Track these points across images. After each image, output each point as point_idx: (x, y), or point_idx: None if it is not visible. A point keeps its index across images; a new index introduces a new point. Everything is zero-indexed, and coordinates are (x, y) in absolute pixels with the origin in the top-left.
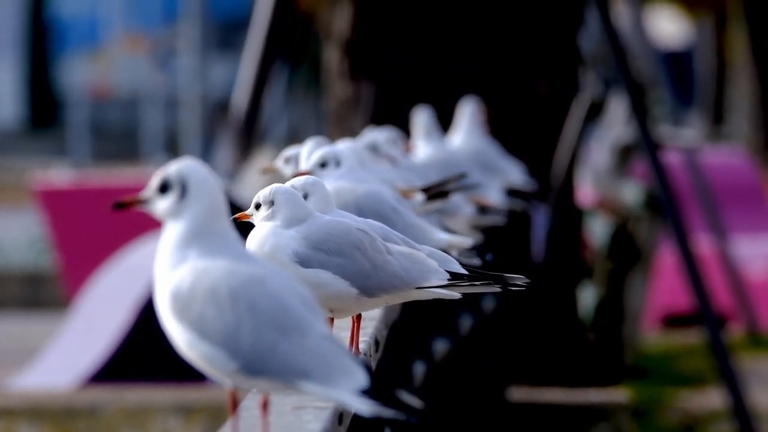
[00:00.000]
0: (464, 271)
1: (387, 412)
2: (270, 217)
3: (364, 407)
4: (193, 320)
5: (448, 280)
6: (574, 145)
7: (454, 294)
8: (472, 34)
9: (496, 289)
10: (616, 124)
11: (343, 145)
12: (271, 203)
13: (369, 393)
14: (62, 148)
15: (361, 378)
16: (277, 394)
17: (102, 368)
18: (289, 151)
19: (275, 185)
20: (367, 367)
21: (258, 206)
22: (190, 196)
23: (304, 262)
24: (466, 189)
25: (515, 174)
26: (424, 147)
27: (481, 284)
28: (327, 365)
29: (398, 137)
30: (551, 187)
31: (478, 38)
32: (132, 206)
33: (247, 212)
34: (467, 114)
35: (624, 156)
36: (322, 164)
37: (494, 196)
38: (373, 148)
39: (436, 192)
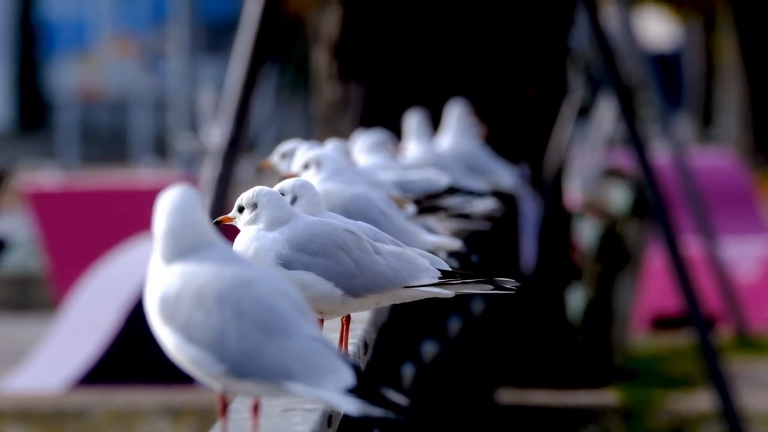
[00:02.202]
0: (455, 270)
1: (374, 411)
2: (253, 220)
3: (351, 406)
4: (180, 324)
5: (440, 278)
6: (564, 147)
7: (446, 292)
8: (462, 36)
9: (488, 287)
10: (605, 126)
11: (330, 147)
12: (254, 206)
13: (356, 392)
14: (51, 150)
15: (348, 377)
16: (266, 396)
17: (91, 370)
18: (286, 147)
19: (258, 187)
20: (355, 367)
21: (241, 209)
22: None
23: (287, 264)
24: (459, 204)
25: (505, 177)
26: (414, 149)
27: (473, 282)
28: (313, 366)
29: (387, 140)
30: (541, 189)
31: (467, 41)
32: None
33: (230, 215)
34: (455, 116)
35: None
36: (306, 166)
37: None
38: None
39: (428, 206)
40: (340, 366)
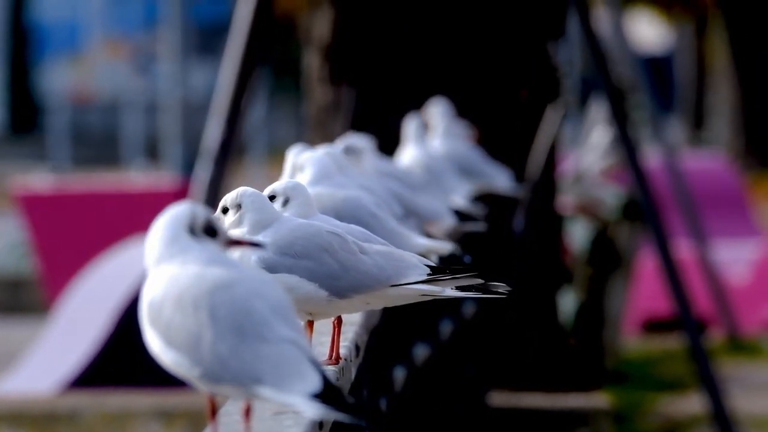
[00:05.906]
0: (445, 266)
1: (336, 416)
2: (237, 222)
3: (314, 411)
4: (162, 328)
5: (429, 274)
6: (550, 149)
7: (435, 289)
8: (454, 38)
9: (479, 281)
10: (597, 129)
11: (320, 151)
12: (238, 207)
13: (321, 397)
14: (42, 153)
15: (315, 382)
16: (242, 399)
17: (83, 373)
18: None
19: (242, 188)
20: (323, 372)
21: (225, 210)
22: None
23: (271, 267)
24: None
25: (501, 179)
26: (409, 152)
27: (463, 277)
28: (282, 370)
29: (367, 146)
30: (527, 191)
31: (459, 43)
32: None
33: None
34: (441, 116)
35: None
36: (294, 171)
37: (462, 202)
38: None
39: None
40: (309, 370)
